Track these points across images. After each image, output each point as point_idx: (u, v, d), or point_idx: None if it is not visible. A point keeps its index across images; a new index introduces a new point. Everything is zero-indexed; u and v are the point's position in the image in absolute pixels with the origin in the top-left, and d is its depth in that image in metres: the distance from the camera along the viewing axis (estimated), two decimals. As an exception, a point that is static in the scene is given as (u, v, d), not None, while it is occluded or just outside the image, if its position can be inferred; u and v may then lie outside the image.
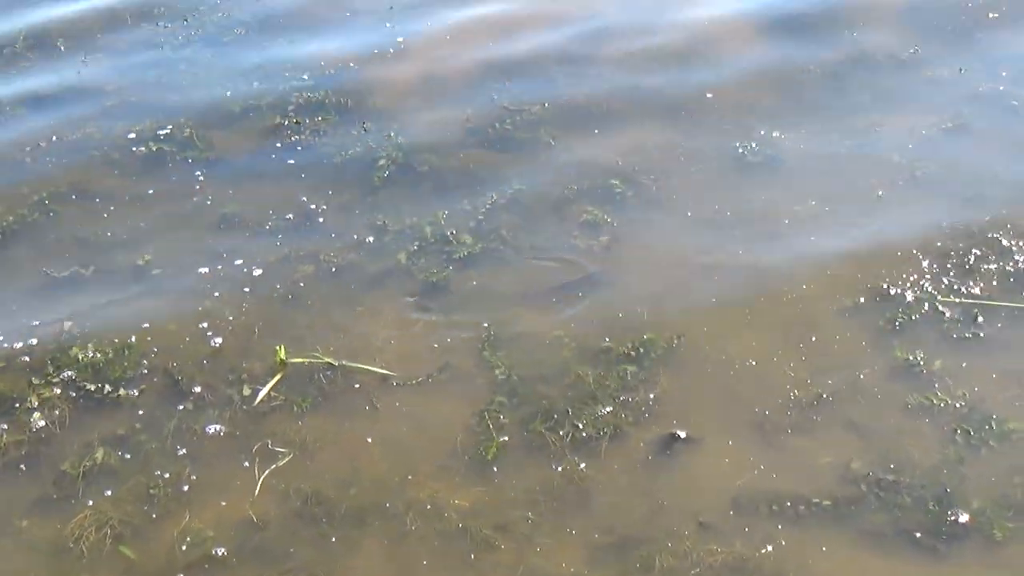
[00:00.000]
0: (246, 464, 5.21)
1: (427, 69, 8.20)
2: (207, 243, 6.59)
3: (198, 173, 7.21)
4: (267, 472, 5.17)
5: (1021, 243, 6.17)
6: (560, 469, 5.09)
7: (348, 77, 8.10)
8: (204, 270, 6.40)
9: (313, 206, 6.86)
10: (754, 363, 5.58)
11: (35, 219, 6.74)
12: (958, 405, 5.31)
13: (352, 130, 7.57)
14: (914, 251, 6.17)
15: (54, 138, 7.46)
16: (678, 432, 5.23)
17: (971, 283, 5.98)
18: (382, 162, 7.16)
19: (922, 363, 5.52)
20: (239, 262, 6.42)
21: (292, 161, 7.30)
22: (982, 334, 5.68)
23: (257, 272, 6.37)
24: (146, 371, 5.72)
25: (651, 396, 5.41)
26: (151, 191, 7.03)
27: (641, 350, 5.66)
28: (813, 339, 5.70)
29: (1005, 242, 6.18)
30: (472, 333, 5.86)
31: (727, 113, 7.54)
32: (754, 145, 7.15)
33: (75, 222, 6.75)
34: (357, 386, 5.57)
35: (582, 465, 5.12)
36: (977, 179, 6.73)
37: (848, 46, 8.11)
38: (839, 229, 6.42)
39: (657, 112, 7.63)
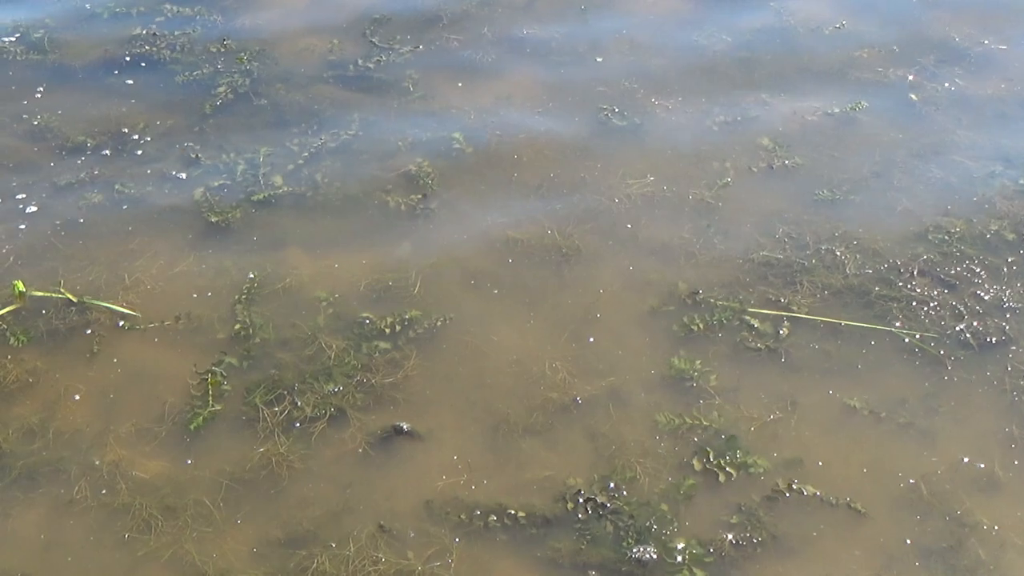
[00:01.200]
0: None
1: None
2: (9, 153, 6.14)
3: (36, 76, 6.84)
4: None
5: (858, 256, 5.68)
6: (262, 450, 4.59)
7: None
8: (-9, 182, 5.64)
9: (128, 130, 6.44)
10: (516, 359, 5.07)
11: None
12: (709, 427, 4.80)
13: (211, 48, 6.85)
14: (742, 252, 5.71)
15: None
16: (402, 425, 4.72)
17: (792, 293, 5.47)
18: (221, 89, 6.53)
19: (696, 376, 4.99)
20: (29, 182, 6.01)
21: (130, 81, 6.93)
22: (779, 349, 5.17)
23: (43, 195, 5.94)
24: None
25: (390, 380, 4.81)
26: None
27: (398, 328, 5.07)
28: (591, 340, 5.18)
29: (839, 253, 5.69)
30: (234, 282, 5.41)
31: (612, 74, 7.08)
32: (624, 111, 6.67)
33: None
34: (89, 330, 5.00)
35: (285, 449, 4.49)
36: (840, 178, 6.21)
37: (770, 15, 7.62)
38: (664, 215, 5.89)
39: (531, 66, 7.19)
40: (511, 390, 4.93)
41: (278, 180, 5.97)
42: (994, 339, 5.22)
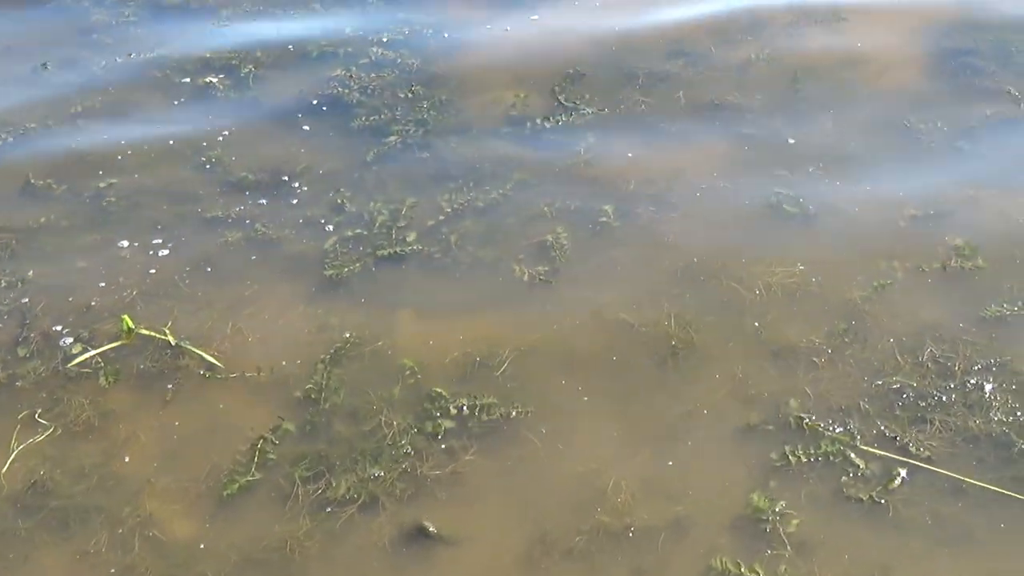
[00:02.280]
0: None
1: None
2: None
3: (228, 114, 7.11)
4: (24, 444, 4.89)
5: (1011, 398, 4.93)
6: (280, 530, 4.39)
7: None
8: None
9: (289, 174, 6.62)
10: (581, 471, 4.73)
11: None
12: None
13: (399, 94, 7.28)
14: (874, 372, 5.11)
15: None
16: (427, 526, 4.44)
17: (917, 432, 4.85)
18: (392, 137, 6.76)
19: (775, 519, 4.51)
20: (179, 215, 6.30)
21: (307, 127, 7.08)
22: (884, 502, 4.54)
23: (187, 230, 6.19)
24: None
25: (438, 473, 4.70)
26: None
27: (466, 411, 4.93)
28: (671, 463, 4.80)
29: (989, 390, 4.96)
30: (331, 339, 5.39)
31: (803, 156, 6.70)
32: (801, 198, 6.25)
33: None
34: (175, 375, 4.98)
35: (304, 533, 4.48)
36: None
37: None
38: (800, 313, 5.44)
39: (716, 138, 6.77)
40: (563, 505, 4.57)
41: (411, 236, 5.78)
42: None
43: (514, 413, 4.79)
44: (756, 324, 5.27)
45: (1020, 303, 5.30)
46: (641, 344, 5.18)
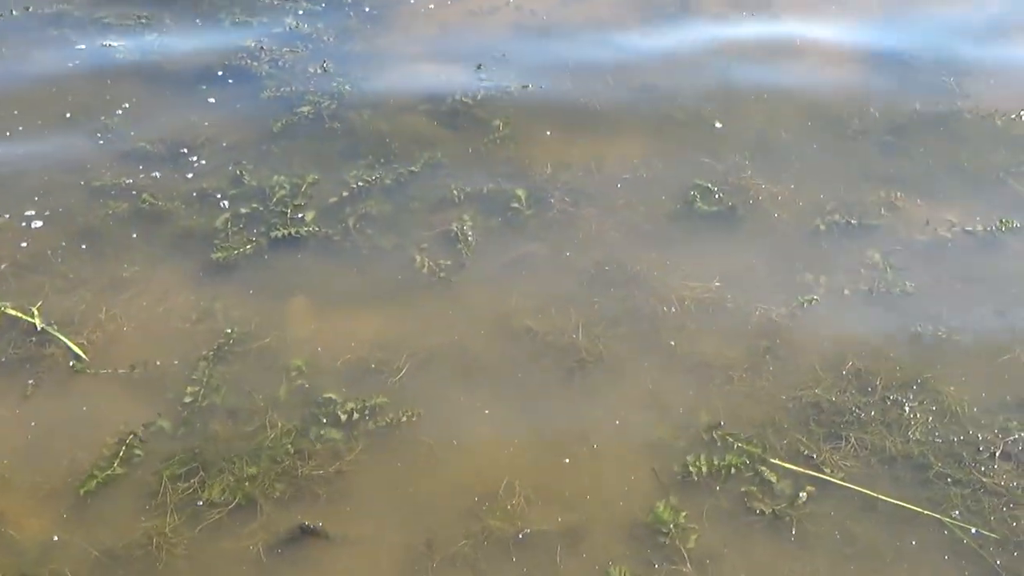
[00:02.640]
0: None
1: None
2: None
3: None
4: None
5: (931, 418, 4.70)
6: (146, 525, 4.22)
7: None
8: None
9: (190, 142, 6.14)
10: (475, 471, 4.49)
11: None
12: None
13: (310, 69, 6.76)
14: (791, 386, 4.85)
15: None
16: (307, 523, 4.16)
17: (832, 450, 4.60)
18: (304, 108, 6.33)
19: (674, 532, 4.27)
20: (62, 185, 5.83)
21: (212, 99, 6.68)
22: (789, 517, 4.31)
23: (70, 200, 5.72)
24: None
25: (320, 472, 4.47)
26: None
27: (356, 416, 4.69)
28: (567, 460, 4.54)
29: (908, 409, 4.73)
30: (215, 332, 5.03)
31: (727, 144, 6.32)
32: (720, 194, 5.92)
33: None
34: (38, 364, 4.70)
35: (171, 530, 4.20)
36: (951, 313, 5.25)
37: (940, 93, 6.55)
38: (717, 330, 5.15)
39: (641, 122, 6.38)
40: (451, 508, 4.28)
41: (310, 215, 5.35)
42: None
43: (404, 417, 4.46)
44: (671, 340, 5.02)
45: (947, 324, 5.08)
46: (547, 355, 4.90)
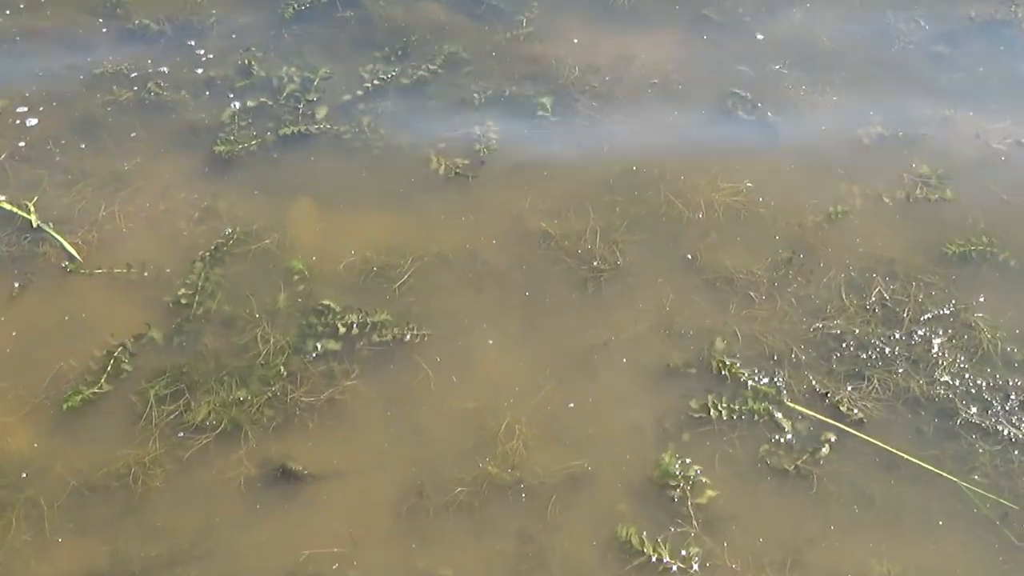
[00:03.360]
0: None
1: None
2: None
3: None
4: None
5: (962, 357, 4.36)
6: (126, 453, 4.01)
7: None
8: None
9: (196, 22, 5.81)
10: (474, 407, 4.24)
11: None
12: (669, 570, 3.79)
13: None
14: (814, 312, 4.52)
15: None
16: (290, 466, 3.95)
17: (853, 390, 4.28)
18: None
19: (685, 486, 4.00)
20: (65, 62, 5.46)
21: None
22: (809, 474, 4.03)
23: (72, 83, 5.42)
24: None
25: (311, 400, 4.25)
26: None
27: (355, 331, 4.42)
28: (571, 405, 4.24)
29: (938, 345, 4.36)
30: (216, 231, 4.77)
31: (766, 53, 5.89)
32: (759, 103, 5.56)
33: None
34: (30, 263, 4.58)
35: (151, 460, 4.01)
36: (991, 228, 4.82)
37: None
38: (742, 238, 4.83)
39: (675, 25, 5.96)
40: (447, 447, 4.06)
41: (321, 112, 5.00)
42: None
43: (408, 336, 4.14)
44: (690, 248, 4.71)
45: (983, 241, 4.71)
46: (561, 261, 4.64)
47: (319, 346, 4.15)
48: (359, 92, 5.24)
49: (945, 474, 3.97)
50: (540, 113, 5.21)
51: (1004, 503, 3.88)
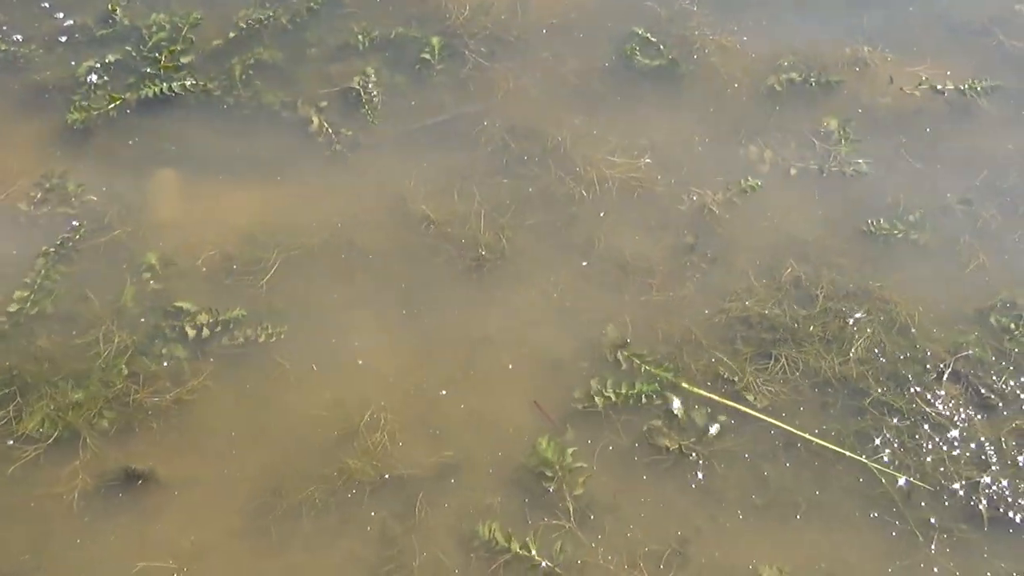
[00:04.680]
0: None
1: None
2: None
3: None
4: None
5: (876, 333, 4.04)
6: None
7: None
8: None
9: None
10: (334, 398, 3.88)
11: None
12: (537, 568, 3.50)
13: None
14: (719, 295, 4.20)
15: None
16: (134, 467, 3.61)
17: (758, 372, 3.96)
18: None
19: (560, 475, 3.71)
20: None
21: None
22: (696, 457, 3.77)
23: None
24: None
25: (157, 400, 3.88)
26: None
27: (205, 332, 4.04)
28: (444, 393, 3.92)
29: (852, 323, 4.08)
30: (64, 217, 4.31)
31: None
32: (663, 44, 5.10)
33: None
34: None
35: None
36: (910, 202, 4.56)
37: None
38: (642, 219, 4.46)
39: None
40: (304, 443, 3.71)
41: (187, 59, 4.75)
42: (1020, 516, 3.48)
43: (262, 336, 3.84)
44: (586, 231, 4.33)
45: (904, 219, 4.41)
46: (442, 250, 4.25)
47: (165, 350, 3.70)
48: (231, 34, 4.78)
49: (848, 452, 3.71)
50: (425, 57, 4.78)
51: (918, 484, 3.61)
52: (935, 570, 3.46)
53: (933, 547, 3.50)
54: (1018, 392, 3.80)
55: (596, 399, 3.73)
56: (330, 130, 4.52)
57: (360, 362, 3.85)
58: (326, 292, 4.05)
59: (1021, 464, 3.63)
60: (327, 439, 3.67)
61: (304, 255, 4.14)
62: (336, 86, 4.70)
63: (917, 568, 3.46)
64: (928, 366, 3.85)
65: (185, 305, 3.94)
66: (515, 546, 3.44)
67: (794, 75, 4.77)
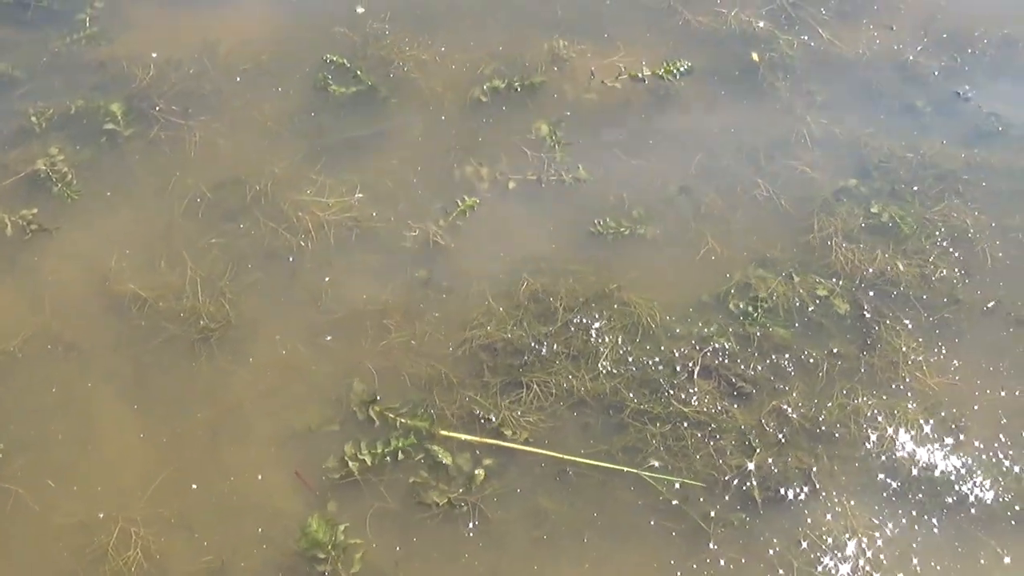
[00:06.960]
0: None
1: None
2: None
3: None
4: None
5: (622, 339, 3.99)
6: None
7: None
8: None
9: None
10: (79, 521, 3.56)
11: None
12: None
13: None
14: (460, 326, 4.06)
15: None
16: None
17: (512, 403, 3.86)
18: None
19: (333, 554, 3.51)
20: None
21: None
22: (466, 506, 3.61)
23: None
24: None
25: None
26: None
27: None
28: (195, 486, 3.67)
29: (595, 333, 4.00)
30: None
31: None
32: (362, 68, 4.94)
33: None
34: None
35: None
36: (634, 197, 4.54)
37: None
38: (367, 260, 4.30)
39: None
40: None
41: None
42: (793, 492, 3.60)
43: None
44: (312, 280, 4.16)
45: (629, 214, 4.42)
46: (162, 328, 3.97)
47: None
48: None
49: (619, 467, 3.67)
50: (110, 127, 4.46)
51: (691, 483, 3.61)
52: (721, 563, 3.46)
53: (712, 544, 3.53)
54: (767, 375, 3.85)
55: (351, 465, 3.54)
56: (15, 221, 4.17)
57: (94, 474, 3.50)
58: (39, 399, 3.72)
59: (783, 440, 3.57)
60: (73, 569, 3.39)
61: (6, 361, 3.74)
62: (18, 174, 4.30)
63: (704, 564, 3.47)
64: (678, 367, 3.84)
65: None
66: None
67: (497, 83, 4.69)
